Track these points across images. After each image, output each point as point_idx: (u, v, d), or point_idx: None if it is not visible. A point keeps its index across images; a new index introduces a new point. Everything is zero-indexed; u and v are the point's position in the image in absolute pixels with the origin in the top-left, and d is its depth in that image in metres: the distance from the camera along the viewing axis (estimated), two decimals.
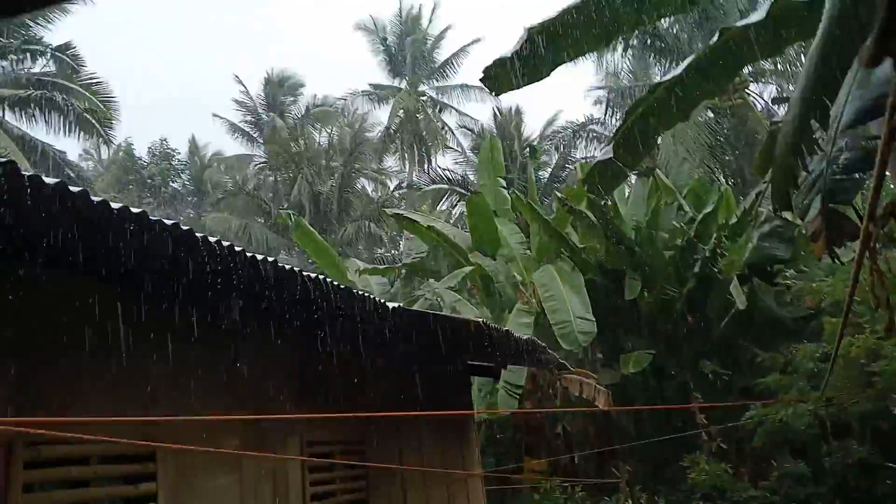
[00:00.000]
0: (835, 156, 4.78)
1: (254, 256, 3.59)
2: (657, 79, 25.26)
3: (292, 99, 37.22)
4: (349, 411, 5.37)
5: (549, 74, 8.42)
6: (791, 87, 23.01)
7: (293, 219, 16.79)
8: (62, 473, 3.33)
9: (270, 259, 3.74)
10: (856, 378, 10.33)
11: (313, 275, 4.07)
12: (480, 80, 8.32)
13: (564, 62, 8.48)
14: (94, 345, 3.50)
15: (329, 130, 35.33)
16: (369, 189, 35.04)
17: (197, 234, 3.30)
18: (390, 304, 5.13)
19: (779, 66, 23.24)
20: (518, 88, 8.39)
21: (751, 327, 7.90)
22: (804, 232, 5.22)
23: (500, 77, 8.20)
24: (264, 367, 4.75)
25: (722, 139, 24.33)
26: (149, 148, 37.59)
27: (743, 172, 23.46)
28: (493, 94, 8.56)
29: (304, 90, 37.45)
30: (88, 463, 3.45)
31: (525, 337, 6.82)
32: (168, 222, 3.15)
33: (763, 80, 24.13)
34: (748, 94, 23.57)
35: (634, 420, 15.02)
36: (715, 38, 7.18)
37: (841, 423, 11.69)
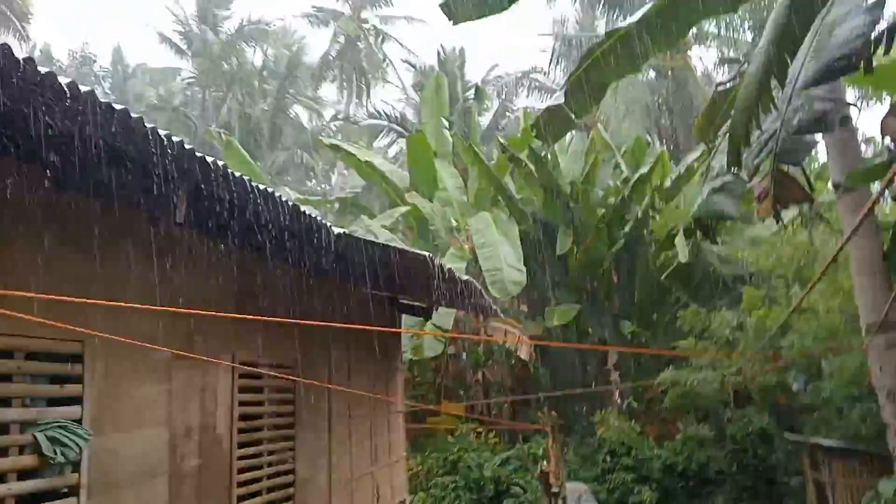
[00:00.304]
0: (789, 116, 4.85)
1: (204, 157, 3.32)
2: (602, 31, 25.23)
3: (227, 12, 35.14)
4: (283, 330, 5.21)
5: (510, 5, 8.13)
6: (732, 53, 23.39)
7: (223, 138, 16.01)
8: None
9: (221, 163, 3.47)
10: (765, 350, 10.90)
11: (265, 187, 3.83)
12: (440, 5, 7.97)
13: None
14: (31, 229, 3.21)
15: (264, 49, 33.72)
16: (303, 118, 33.83)
17: (149, 125, 3.01)
18: (336, 229, 4.95)
19: (722, 31, 23.45)
20: (478, 18, 8.08)
21: (689, 282, 8.16)
22: (752, 191, 5.33)
23: (459, 3, 7.88)
24: (202, 277, 4.51)
25: (660, 100, 24.65)
26: (69, 51, 34.90)
27: (677, 135, 23.89)
28: (452, 21, 8.22)
29: (236, 3, 35.36)
30: (13, 357, 3.19)
31: (465, 278, 6.77)
32: (119, 107, 2.85)
33: (706, 44, 24.32)
34: (689, 58, 23.79)
35: (550, 372, 15.48)
36: None
37: (744, 393, 12.41)
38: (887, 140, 6.11)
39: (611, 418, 12.96)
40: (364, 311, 6.93)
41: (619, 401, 14.53)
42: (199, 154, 3.26)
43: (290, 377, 5.54)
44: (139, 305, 3.65)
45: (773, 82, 4.58)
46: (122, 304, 3.52)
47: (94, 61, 35.33)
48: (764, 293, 11.31)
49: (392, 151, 29.05)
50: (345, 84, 31.61)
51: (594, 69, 7.63)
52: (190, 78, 32.65)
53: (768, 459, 11.89)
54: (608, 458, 12.31)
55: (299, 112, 33.15)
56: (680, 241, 7.31)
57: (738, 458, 12.01)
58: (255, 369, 5.09)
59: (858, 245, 7.30)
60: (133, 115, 2.97)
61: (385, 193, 17.18)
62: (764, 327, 10.64)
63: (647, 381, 12.67)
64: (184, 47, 32.73)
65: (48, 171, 3.27)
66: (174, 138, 3.06)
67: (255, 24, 33.02)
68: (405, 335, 12.81)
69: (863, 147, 11.16)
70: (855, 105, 9.56)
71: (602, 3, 22.87)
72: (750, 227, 14.06)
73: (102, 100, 2.69)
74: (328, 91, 33.97)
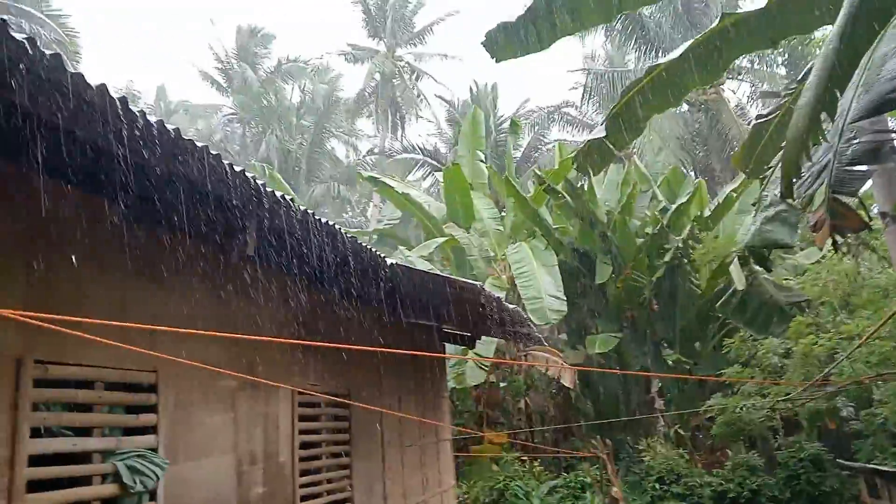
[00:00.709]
0: (842, 148, 4.89)
1: (274, 192, 3.48)
2: (631, 67, 25.46)
3: (265, 50, 36.24)
4: (338, 359, 5.34)
5: (549, 46, 8.30)
6: (765, 86, 23.38)
7: (266, 172, 16.43)
8: (69, 395, 3.21)
9: (289, 197, 3.64)
10: (813, 376, 10.70)
11: (327, 221, 3.98)
12: (482, 43, 8.15)
13: (566, 34, 8.37)
14: (103, 261, 3.39)
15: (301, 86, 34.59)
16: (340, 152, 34.52)
17: (224, 161, 3.18)
18: (389, 260, 5.09)
19: (755, 65, 23.54)
20: (520, 56, 8.25)
21: (745, 311, 8.09)
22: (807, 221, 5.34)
23: (502, 42, 8.06)
24: (265, 307, 4.66)
25: (694, 133, 24.68)
26: (115, 89, 36.13)
27: (712, 167, 23.85)
28: (494, 59, 8.42)
29: (275, 43, 36.42)
30: (93, 387, 3.34)
31: (512, 307, 6.85)
32: (198, 143, 3.02)
33: (739, 77, 24.40)
34: (722, 91, 23.85)
35: (593, 401, 15.35)
36: (715, 23, 7.21)
37: (793, 419, 12.14)
38: None
39: (657, 446, 12.77)
40: (411, 340, 7.05)
41: (664, 429, 14.32)
42: (269, 190, 3.42)
43: (347, 401, 5.64)
44: (207, 332, 3.79)
45: (824, 115, 4.64)
46: (192, 331, 3.67)
47: (139, 98, 36.58)
48: (811, 320, 11.15)
49: (425, 184, 29.41)
50: (380, 119, 32.26)
51: (633, 103, 7.80)
52: (230, 114, 33.60)
53: (822, 486, 11.59)
54: (657, 486, 12.11)
55: (335, 146, 33.88)
56: (735, 269, 7.29)
57: (791, 485, 11.72)
58: (314, 394, 5.21)
59: None
60: (212, 152, 3.14)
61: (422, 225, 17.39)
62: (812, 354, 10.48)
63: (694, 409, 12.48)
64: (224, 84, 33.78)
65: (127, 205, 3.46)
66: (248, 174, 3.23)
67: (293, 62, 33.99)
68: (448, 364, 12.90)
69: None
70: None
71: (634, 40, 23.11)
72: (791, 257, 13.88)
73: (186, 137, 2.86)
74: (364, 125, 34.68)
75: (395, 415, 6.51)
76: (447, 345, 9.74)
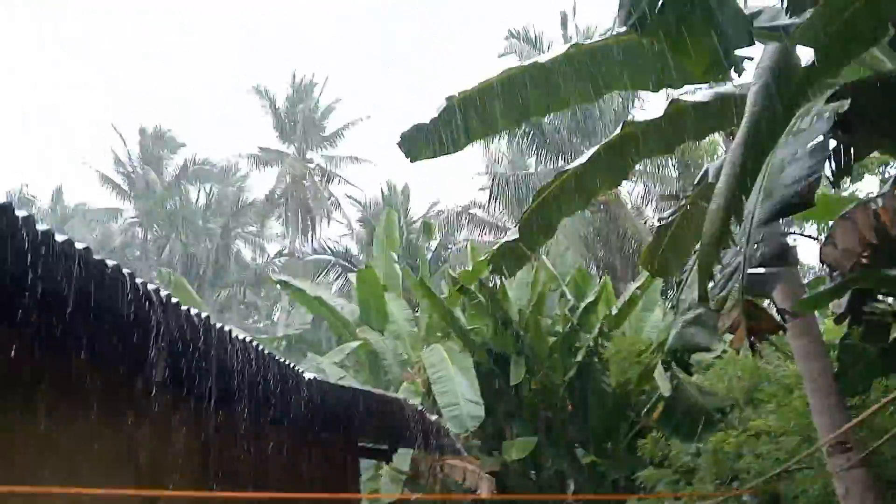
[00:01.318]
0: (751, 251, 5.10)
1: (189, 310, 3.19)
2: (532, 170, 26.77)
3: (171, 154, 35.69)
4: (248, 481, 4.86)
5: (462, 148, 8.46)
6: (657, 187, 24.99)
7: (172, 279, 15.71)
8: None
9: (204, 314, 3.34)
10: (724, 475, 10.83)
11: (245, 337, 3.70)
12: (397, 143, 8.18)
13: (478, 138, 8.59)
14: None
15: (208, 189, 34.04)
16: (247, 255, 33.74)
17: (126, 272, 2.90)
18: (308, 375, 4.79)
19: (648, 167, 25.15)
20: (433, 157, 8.33)
21: (672, 417, 8.08)
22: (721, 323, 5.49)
23: (416, 143, 8.13)
24: (166, 435, 4.21)
25: (595, 232, 25.81)
26: (7, 192, 34.30)
27: (614, 264, 24.84)
28: (409, 159, 8.48)
29: (181, 146, 36.04)
30: None
31: (434, 419, 6.58)
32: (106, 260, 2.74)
33: (634, 179, 25.94)
34: (619, 192, 25.22)
35: None
36: (616, 132, 7.63)
37: None
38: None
39: None
40: (323, 459, 6.59)
41: None
42: (184, 308, 3.14)
43: None
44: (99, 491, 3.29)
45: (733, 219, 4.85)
46: (81, 490, 3.17)
47: (33, 202, 34.82)
48: (719, 417, 11.36)
49: (337, 286, 29.02)
50: (290, 221, 32.00)
51: (545, 207, 8.01)
52: (132, 219, 32.42)
53: None
54: None
55: (242, 249, 33.12)
56: (659, 374, 7.38)
57: None
58: None
59: (809, 367, 7.54)
60: (110, 263, 2.85)
61: (334, 329, 16.94)
62: (721, 451, 10.62)
63: None
64: (125, 188, 32.75)
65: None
66: (162, 292, 2.95)
67: (200, 165, 33.55)
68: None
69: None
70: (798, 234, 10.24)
71: (535, 145, 24.38)
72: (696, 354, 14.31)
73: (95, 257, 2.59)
74: (273, 228, 34.27)
75: None
76: (362, 460, 9.23)
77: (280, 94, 35.27)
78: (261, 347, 3.83)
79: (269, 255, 32.99)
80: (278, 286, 17.38)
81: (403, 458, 11.86)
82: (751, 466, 10.15)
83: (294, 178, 31.63)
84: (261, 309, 30.53)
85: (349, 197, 31.33)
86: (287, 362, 4.25)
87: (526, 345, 15.08)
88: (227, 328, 3.58)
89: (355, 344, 14.78)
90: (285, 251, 32.40)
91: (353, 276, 18.92)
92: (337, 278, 28.71)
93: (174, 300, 3.04)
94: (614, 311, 15.17)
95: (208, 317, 3.43)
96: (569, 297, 16.86)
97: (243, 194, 31.98)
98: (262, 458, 5.13)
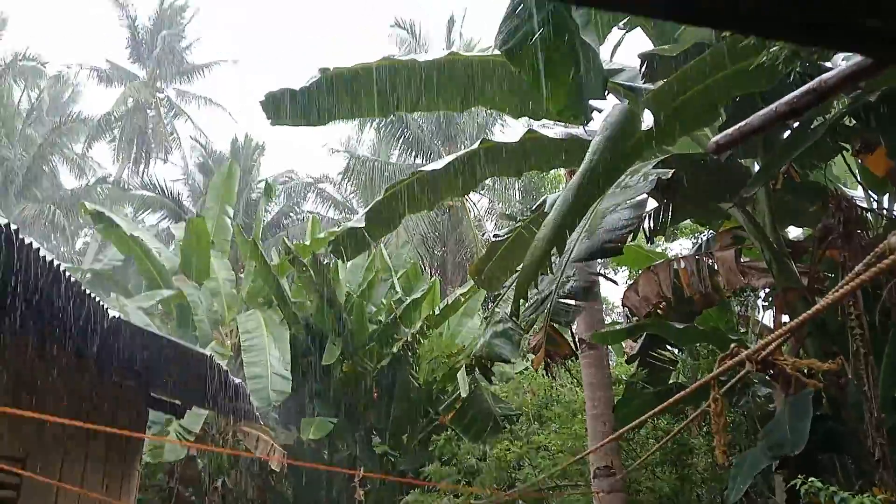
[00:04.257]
0: (563, 282, 5.60)
1: None
2: (394, 159, 26.98)
3: None
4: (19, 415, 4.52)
5: (326, 123, 8.45)
6: (500, 205, 26.20)
7: None
8: None
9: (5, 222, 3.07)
10: (504, 481, 11.64)
11: (53, 260, 3.45)
12: (260, 102, 7.99)
13: (344, 118, 8.61)
14: None
15: (35, 91, 30.49)
16: (64, 174, 30.54)
17: None
18: (112, 313, 4.55)
19: (496, 184, 26.27)
20: (296, 125, 8.24)
21: (465, 417, 8.51)
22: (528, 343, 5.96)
23: (281, 106, 8.00)
24: None
25: (436, 233, 26.51)
26: None
27: (446, 267, 25.64)
28: (270, 122, 8.29)
29: (10, 33, 31.99)
30: None
31: (237, 382, 6.47)
32: None
33: (482, 192, 26.95)
34: (466, 200, 26.12)
35: (296, 484, 14.87)
36: (475, 146, 8.01)
37: None
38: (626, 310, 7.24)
39: None
40: (112, 402, 6.27)
41: None
42: None
43: (15, 470, 4.74)
44: None
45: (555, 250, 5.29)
46: None
47: None
48: (507, 427, 12.20)
49: (157, 230, 27.19)
50: (123, 148, 29.44)
51: (394, 201, 8.22)
52: None
53: None
54: None
55: (60, 167, 29.88)
56: (462, 376, 7.79)
57: None
58: None
59: (594, 396, 8.34)
60: None
61: (145, 274, 15.89)
62: (504, 459, 11.41)
63: (392, 502, 12.68)
64: None
65: None
66: None
67: (31, 60, 29.91)
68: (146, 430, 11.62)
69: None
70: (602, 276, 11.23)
71: (399, 138, 24.61)
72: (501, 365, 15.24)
73: None
74: (103, 153, 31.39)
75: (73, 490, 5.60)
76: (151, 411, 8.81)
77: (145, 11, 32.58)
78: (64, 269, 3.58)
79: (89, 181, 29.98)
80: (90, 217, 15.95)
81: (196, 418, 11.46)
82: (528, 477, 11.02)
83: (137, 104, 29.17)
84: (69, 235, 27.76)
85: (194, 139, 29.49)
86: (91, 293, 4.01)
87: (347, 328, 15.16)
88: (28, 241, 3.32)
89: (168, 293, 14.02)
90: (110, 178, 29.72)
91: (178, 225, 17.93)
92: (161, 221, 26.97)
93: None
94: (437, 311, 15.69)
95: (8, 224, 3.16)
96: (398, 289, 17.18)
97: (75, 106, 28.97)
98: (56, 387, 4.78)
